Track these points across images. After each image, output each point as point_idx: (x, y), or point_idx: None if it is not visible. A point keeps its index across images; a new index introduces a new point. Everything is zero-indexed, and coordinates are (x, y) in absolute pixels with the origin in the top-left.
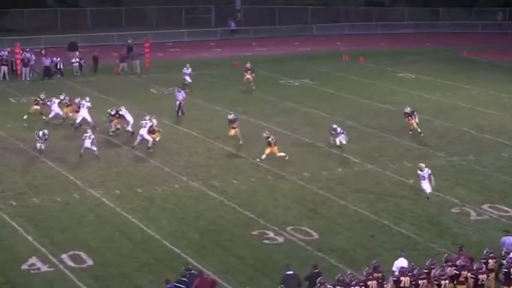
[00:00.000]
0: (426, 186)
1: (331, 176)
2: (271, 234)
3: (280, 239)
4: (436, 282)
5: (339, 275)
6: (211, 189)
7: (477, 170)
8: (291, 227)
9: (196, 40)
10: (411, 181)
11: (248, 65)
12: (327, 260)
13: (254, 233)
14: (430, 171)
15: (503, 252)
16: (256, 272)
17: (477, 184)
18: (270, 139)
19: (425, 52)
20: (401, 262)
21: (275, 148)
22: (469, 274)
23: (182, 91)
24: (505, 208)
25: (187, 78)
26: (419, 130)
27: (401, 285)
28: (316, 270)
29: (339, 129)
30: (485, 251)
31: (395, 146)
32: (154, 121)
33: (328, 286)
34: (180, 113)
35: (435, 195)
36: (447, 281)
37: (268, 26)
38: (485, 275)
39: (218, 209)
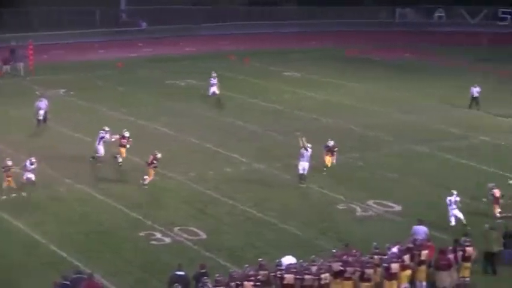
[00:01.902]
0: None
1: (218, 176)
2: (159, 235)
3: (168, 240)
4: (316, 277)
5: (217, 275)
6: (98, 191)
7: (362, 166)
8: (179, 227)
9: (80, 41)
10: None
11: None
12: (215, 259)
13: (141, 234)
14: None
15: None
16: (144, 273)
17: (362, 181)
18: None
19: (310, 51)
20: (289, 260)
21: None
22: (357, 269)
23: (44, 100)
24: (390, 204)
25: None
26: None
27: (285, 282)
28: (203, 270)
29: None
30: (373, 246)
31: (282, 145)
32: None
33: (210, 286)
34: (42, 122)
35: (321, 192)
36: (327, 274)
37: (154, 27)
38: (372, 270)
39: (105, 211)
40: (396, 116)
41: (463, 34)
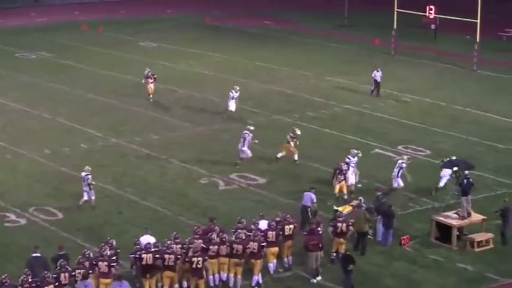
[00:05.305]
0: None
1: (74, 152)
2: (13, 217)
3: (23, 221)
4: (187, 260)
5: (79, 257)
6: None
7: (224, 139)
8: (34, 207)
9: None
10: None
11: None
12: (73, 240)
13: None
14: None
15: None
16: None
17: (225, 153)
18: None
19: (166, 19)
20: (147, 239)
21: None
22: (221, 246)
23: None
24: (253, 176)
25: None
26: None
27: (144, 262)
28: (62, 252)
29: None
30: (237, 221)
31: (140, 117)
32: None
33: (68, 268)
34: None
35: (182, 166)
36: (200, 258)
37: None
38: (240, 245)
39: None
40: (258, 86)
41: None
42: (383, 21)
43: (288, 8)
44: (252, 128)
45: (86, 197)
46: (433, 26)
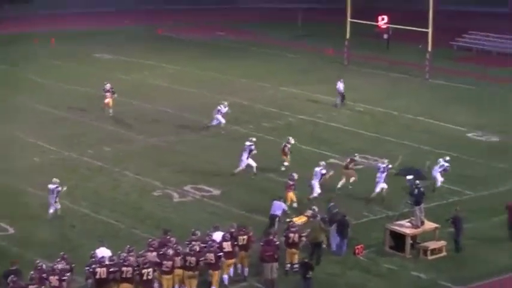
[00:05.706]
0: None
1: (26, 166)
2: None
3: None
4: (137, 272)
5: (31, 272)
6: None
7: (178, 150)
8: None
9: None
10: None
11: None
12: (26, 255)
13: None
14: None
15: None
16: None
17: (179, 165)
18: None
19: (122, 31)
20: (103, 251)
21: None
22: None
23: None
24: (207, 188)
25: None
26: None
27: (98, 276)
28: (14, 267)
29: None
30: (191, 233)
31: (94, 130)
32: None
33: (21, 283)
34: None
35: (135, 178)
36: (150, 269)
37: None
38: (194, 258)
39: None
40: (212, 96)
41: (277, 10)
42: (337, 31)
43: (241, 18)
44: (254, 139)
45: (52, 209)
46: (385, 36)
